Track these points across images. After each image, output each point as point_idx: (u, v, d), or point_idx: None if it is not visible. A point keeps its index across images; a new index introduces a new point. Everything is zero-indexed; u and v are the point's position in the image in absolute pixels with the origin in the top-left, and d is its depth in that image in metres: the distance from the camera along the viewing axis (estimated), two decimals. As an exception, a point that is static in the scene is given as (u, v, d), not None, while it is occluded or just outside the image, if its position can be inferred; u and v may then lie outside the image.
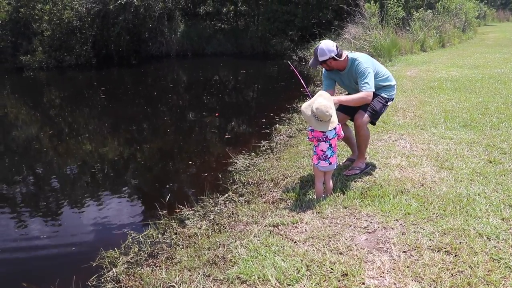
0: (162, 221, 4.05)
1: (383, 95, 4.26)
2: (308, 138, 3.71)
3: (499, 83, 8.40)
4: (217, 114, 7.89)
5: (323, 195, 3.83)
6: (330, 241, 3.09)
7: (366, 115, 4.14)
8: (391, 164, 4.46)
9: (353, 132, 4.48)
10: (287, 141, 6.19)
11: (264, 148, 6.06)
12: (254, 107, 9.50)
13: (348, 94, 4.35)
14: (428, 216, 3.30)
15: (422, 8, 16.14)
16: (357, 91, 4.08)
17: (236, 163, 5.50)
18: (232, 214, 3.98)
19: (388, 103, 4.34)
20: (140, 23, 16.86)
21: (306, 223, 3.42)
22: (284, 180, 4.51)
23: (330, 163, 3.70)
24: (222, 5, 20.04)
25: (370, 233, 3.16)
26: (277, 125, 7.08)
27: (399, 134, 5.46)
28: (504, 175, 3.99)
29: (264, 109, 8.57)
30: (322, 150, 3.64)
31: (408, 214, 3.36)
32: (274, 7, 18.27)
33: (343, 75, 4.20)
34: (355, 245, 3.01)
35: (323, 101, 3.54)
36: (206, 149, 6.61)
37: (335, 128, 3.63)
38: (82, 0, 16.15)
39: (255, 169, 5.15)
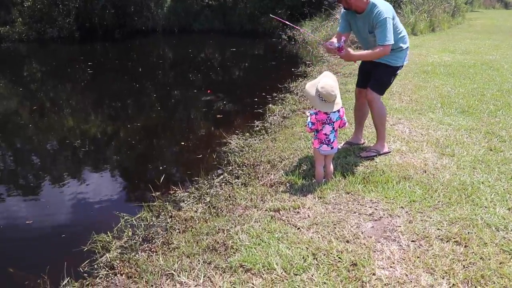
0: (156, 203, 3.88)
1: (392, 62, 3.94)
2: (310, 128, 3.52)
3: (492, 69, 8.35)
4: (209, 91, 7.63)
5: (324, 179, 3.72)
6: (335, 228, 2.98)
7: (374, 89, 4.01)
8: (392, 149, 4.35)
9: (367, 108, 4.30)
10: (281, 121, 6.06)
11: (258, 128, 5.91)
12: (246, 86, 9.27)
13: (359, 42, 4.15)
14: (433, 204, 3.22)
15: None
16: (367, 40, 3.89)
17: (230, 143, 5.34)
18: (229, 197, 3.83)
19: (397, 72, 4.06)
20: (126, -4, 16.33)
21: (309, 208, 3.30)
22: (281, 162, 4.37)
23: (332, 148, 3.57)
24: (211, -20, 19.50)
25: (376, 220, 3.06)
26: (270, 105, 6.92)
27: (396, 119, 5.36)
28: (506, 164, 3.93)
29: (256, 89, 8.36)
30: (325, 134, 3.51)
31: (413, 201, 3.27)
32: (264, -16, 17.84)
33: (359, 18, 3.87)
34: (362, 233, 2.90)
35: (328, 80, 3.40)
36: (198, 129, 6.41)
37: (338, 111, 3.49)
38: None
39: (250, 150, 4.99)
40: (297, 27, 4.66)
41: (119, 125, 6.65)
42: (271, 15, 5.77)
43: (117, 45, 15.51)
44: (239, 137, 5.55)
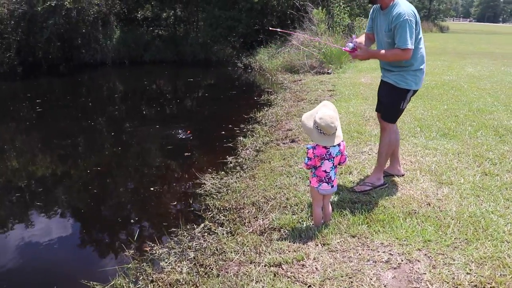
0: (131, 265, 3.36)
1: (399, 83, 3.63)
2: (306, 164, 3.19)
3: (454, 90, 8.46)
4: (188, 132, 7.06)
5: (322, 221, 3.37)
6: (352, 282, 2.61)
7: (384, 118, 3.79)
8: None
9: (398, 135, 4.02)
10: (256, 156, 5.71)
11: (232, 165, 5.51)
12: (210, 118, 8.85)
13: (376, 42, 3.85)
14: (451, 243, 2.94)
15: (361, 17, 16.28)
16: (382, 40, 3.62)
17: (204, 184, 4.90)
18: (217, 250, 3.38)
19: (408, 97, 3.71)
20: (72, 28, 15.47)
21: (314, 259, 2.92)
22: (267, 203, 4.00)
23: (332, 186, 3.23)
24: (162, 10, 19.08)
25: (395, 268, 2.72)
26: (240, 138, 6.58)
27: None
28: (507, 189, 3.77)
29: (221, 121, 8.02)
30: (325, 171, 3.16)
31: (429, 241, 2.98)
32: (217, 13, 17.70)
33: (381, 15, 3.61)
34: (385, 286, 2.54)
35: (327, 111, 3.08)
36: (166, 170, 5.89)
37: (339, 145, 3.16)
38: (3, 0, 14.55)
39: (229, 191, 4.59)
40: (311, 37, 4.33)
41: (76, 169, 5.95)
42: (270, 28, 5.49)
43: (64, 79, 14.66)
44: (214, 176, 5.12)
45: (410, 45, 3.43)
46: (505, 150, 4.77)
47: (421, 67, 3.65)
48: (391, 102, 3.78)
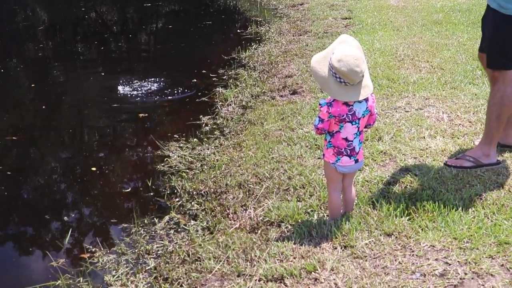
0: (60, 282, 3.25)
1: (506, 6, 3.41)
2: (316, 127, 3.01)
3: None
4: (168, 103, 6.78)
5: (341, 212, 3.27)
6: (390, 308, 2.45)
7: (489, 62, 3.61)
8: (432, 149, 4.05)
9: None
10: (242, 114, 5.72)
11: (208, 128, 5.50)
12: (175, 61, 8.64)
13: None
14: (541, 246, 2.82)
15: None
16: None
17: (169, 157, 4.85)
18: (189, 256, 3.29)
19: None
20: None
21: (332, 270, 2.79)
22: (261, 185, 3.95)
23: (356, 160, 3.04)
24: None
25: (455, 286, 2.58)
26: (218, 89, 6.54)
27: (421, 98, 5.12)
28: None
29: (191, 64, 7.94)
30: (346, 139, 2.98)
31: (506, 243, 2.86)
32: None
33: None
34: (440, 315, 2.40)
35: (349, 49, 2.88)
36: (113, 140, 5.80)
37: (367, 100, 2.95)
38: None
39: (205, 167, 4.56)
40: None
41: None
42: None
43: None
44: (182, 145, 5.09)
45: None
46: None
47: None
48: (496, 37, 3.56)
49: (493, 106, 3.63)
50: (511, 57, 3.51)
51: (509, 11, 3.39)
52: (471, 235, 2.92)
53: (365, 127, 3.11)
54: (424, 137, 4.22)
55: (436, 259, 2.77)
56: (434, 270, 2.68)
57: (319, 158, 3.99)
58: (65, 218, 4.19)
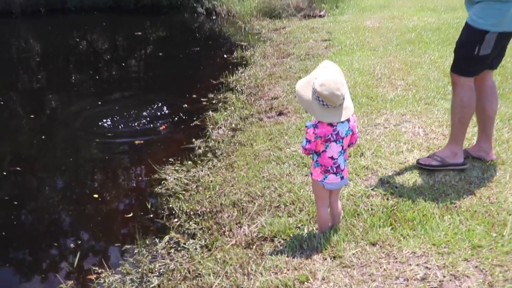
0: None
1: (475, 19, 3.54)
2: (304, 148, 3.11)
3: None
4: (163, 126, 6.70)
5: (329, 225, 3.34)
6: (378, 311, 2.56)
7: (452, 68, 3.81)
8: (410, 162, 4.10)
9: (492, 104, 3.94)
10: (232, 136, 5.73)
11: (201, 151, 5.51)
12: (168, 86, 8.69)
13: None
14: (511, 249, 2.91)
15: None
16: None
17: (165, 180, 4.87)
18: (189, 273, 3.35)
19: (488, 37, 3.53)
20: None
21: (323, 279, 2.87)
22: (253, 203, 3.99)
23: (342, 177, 3.16)
24: None
25: (435, 288, 2.68)
26: (209, 113, 6.55)
27: (398, 115, 5.16)
28: None
29: (182, 89, 7.99)
30: (331, 158, 3.08)
31: (479, 247, 2.95)
32: None
33: None
34: (423, 315, 2.51)
35: (330, 74, 2.98)
36: (112, 166, 5.71)
37: (348, 120, 3.08)
38: None
39: (200, 188, 4.59)
40: None
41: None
42: None
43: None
44: (177, 168, 5.11)
45: None
46: None
47: None
48: (462, 46, 3.71)
49: (455, 109, 3.80)
50: (471, 65, 3.66)
51: (476, 24, 3.53)
52: (448, 241, 3.01)
53: (348, 146, 3.22)
54: (402, 151, 4.28)
55: (417, 265, 2.85)
56: (416, 274, 2.77)
57: (306, 175, 4.05)
58: (72, 242, 4.18)
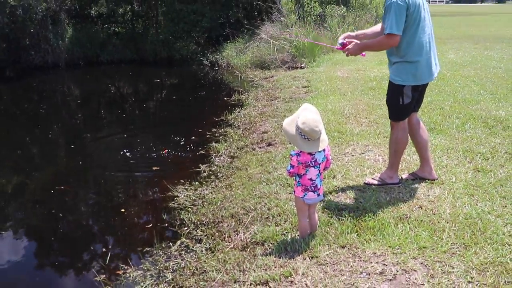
0: None
1: (394, 78, 3.67)
2: (288, 172, 3.18)
3: (437, 79, 8.54)
4: (165, 150, 6.68)
5: (308, 232, 3.35)
6: (346, 299, 2.59)
7: (389, 115, 3.90)
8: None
9: (421, 135, 4.02)
10: (231, 162, 5.67)
11: (205, 174, 5.46)
12: (179, 123, 8.68)
13: None
14: (448, 249, 2.97)
15: (333, 4, 16.37)
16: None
17: (177, 197, 4.84)
18: (197, 270, 3.35)
19: (406, 92, 3.62)
20: (19, 28, 15.01)
21: (303, 274, 2.91)
22: (248, 215, 3.98)
23: (318, 195, 3.22)
24: (117, 5, 18.69)
25: (391, 280, 2.74)
26: (212, 144, 6.51)
27: (362, 145, 5.18)
28: (503, 185, 3.84)
29: (191, 125, 7.94)
30: (310, 179, 3.15)
31: (424, 248, 3.01)
32: (178, 6, 17.51)
33: None
34: (382, 301, 2.54)
35: (309, 114, 3.06)
36: (135, 185, 5.68)
37: (323, 150, 3.15)
38: None
39: (205, 203, 4.55)
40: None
41: (35, 189, 5.71)
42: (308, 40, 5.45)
43: (12, 84, 14.24)
44: (187, 187, 5.07)
45: (396, 31, 3.42)
46: (496, 143, 4.85)
47: (418, 58, 3.57)
48: (390, 99, 3.84)
49: (391, 144, 3.95)
50: (400, 112, 3.81)
51: (395, 81, 3.71)
52: (401, 244, 3.06)
53: (324, 169, 3.28)
54: (366, 174, 4.31)
55: (377, 262, 2.90)
56: (375, 270, 2.82)
57: (290, 193, 4.06)
58: (104, 246, 4.19)
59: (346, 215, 3.54)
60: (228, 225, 3.92)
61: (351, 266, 2.91)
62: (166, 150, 6.57)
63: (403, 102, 3.72)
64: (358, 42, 3.75)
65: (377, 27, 3.95)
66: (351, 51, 3.73)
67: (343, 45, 3.72)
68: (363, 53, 3.78)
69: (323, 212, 3.65)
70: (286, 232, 3.47)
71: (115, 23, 19.09)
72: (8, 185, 5.89)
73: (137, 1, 19.15)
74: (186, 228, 4.11)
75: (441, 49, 12.79)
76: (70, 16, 17.68)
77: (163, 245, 3.87)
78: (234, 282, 2.98)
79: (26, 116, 9.61)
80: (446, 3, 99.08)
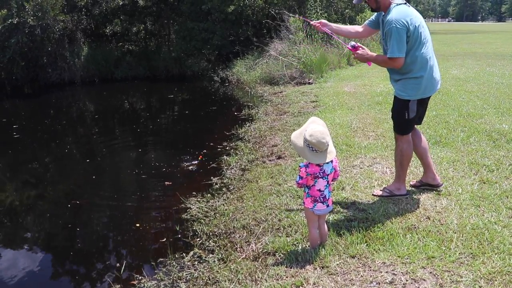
0: None
1: (399, 93, 3.78)
2: (297, 183, 3.20)
3: (441, 94, 8.58)
4: (200, 156, 6.66)
5: (318, 243, 3.35)
6: (357, 308, 2.58)
7: (394, 128, 3.96)
8: (380, 195, 4.11)
9: (421, 145, 4.06)
10: (242, 175, 5.67)
11: (217, 186, 5.45)
12: (191, 137, 8.73)
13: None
14: (456, 259, 2.96)
15: (339, 23, 16.52)
16: (383, 45, 3.78)
17: (190, 208, 4.83)
18: (210, 280, 3.33)
19: (411, 106, 3.73)
20: (37, 47, 15.26)
21: (314, 284, 2.91)
22: (259, 226, 3.97)
23: (327, 205, 3.22)
24: (131, 24, 18.97)
25: (400, 290, 2.71)
26: (224, 157, 6.52)
27: (370, 158, 5.19)
28: (508, 197, 3.83)
29: (202, 139, 7.97)
30: (319, 190, 3.16)
31: (432, 257, 3.00)
32: (189, 25, 17.74)
33: (384, 21, 3.69)
34: (391, 310, 2.52)
35: (317, 127, 3.09)
36: (149, 196, 5.66)
37: (331, 161, 3.17)
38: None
39: (217, 215, 4.54)
40: (331, 34, 4.28)
41: (52, 203, 5.74)
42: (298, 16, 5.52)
43: (30, 101, 14.44)
44: (199, 199, 5.06)
45: (397, 54, 3.55)
46: (501, 156, 4.86)
47: (422, 74, 3.65)
48: (396, 113, 3.91)
49: (397, 157, 3.98)
50: (406, 126, 3.86)
51: (400, 96, 3.78)
52: (410, 253, 3.05)
53: (332, 180, 3.30)
54: (374, 186, 4.33)
55: (386, 272, 2.89)
56: (385, 279, 2.82)
57: (300, 204, 4.07)
58: (119, 256, 4.19)
59: (356, 226, 3.55)
60: (240, 236, 3.91)
61: (361, 276, 2.91)
62: (201, 156, 6.67)
63: (408, 116, 3.78)
64: (367, 50, 3.81)
65: (355, 27, 4.27)
66: (358, 56, 3.83)
67: (354, 48, 3.79)
68: (370, 62, 3.84)
69: (333, 224, 3.65)
70: (297, 243, 3.47)
71: (129, 41, 19.40)
72: (26, 198, 5.93)
73: (150, 20, 19.42)
74: (198, 239, 4.10)
75: (444, 66, 12.82)
76: (86, 35, 18.00)
77: (176, 256, 3.85)
78: (247, 292, 2.98)
79: (44, 131, 9.70)
80: (448, 21, 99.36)
